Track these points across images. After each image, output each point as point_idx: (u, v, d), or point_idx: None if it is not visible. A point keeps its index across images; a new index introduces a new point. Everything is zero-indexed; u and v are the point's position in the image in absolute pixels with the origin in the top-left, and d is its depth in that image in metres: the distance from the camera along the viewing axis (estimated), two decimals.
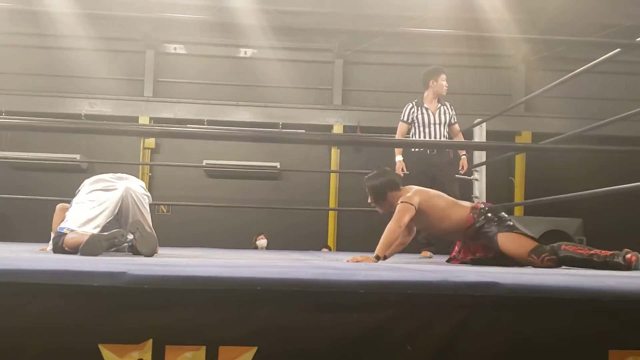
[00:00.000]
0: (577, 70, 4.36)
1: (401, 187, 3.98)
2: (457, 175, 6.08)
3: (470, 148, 6.70)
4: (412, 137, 5.73)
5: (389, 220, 3.79)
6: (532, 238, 3.63)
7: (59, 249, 3.66)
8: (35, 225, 9.36)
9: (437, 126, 5.66)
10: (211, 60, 11.23)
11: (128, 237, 3.76)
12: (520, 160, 10.82)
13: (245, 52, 11.33)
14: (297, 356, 1.59)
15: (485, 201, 6.37)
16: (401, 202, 3.76)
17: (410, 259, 4.50)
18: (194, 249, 5.92)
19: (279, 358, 1.58)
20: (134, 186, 3.96)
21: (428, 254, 5.42)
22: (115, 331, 1.55)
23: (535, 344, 1.65)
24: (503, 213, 3.81)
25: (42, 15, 10.12)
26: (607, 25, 10.14)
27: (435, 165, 5.56)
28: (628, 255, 3.21)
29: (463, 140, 5.90)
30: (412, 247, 5.48)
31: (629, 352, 1.67)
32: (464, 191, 6.51)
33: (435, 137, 5.64)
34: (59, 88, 10.67)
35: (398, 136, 5.78)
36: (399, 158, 5.75)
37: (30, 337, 1.54)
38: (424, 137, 5.64)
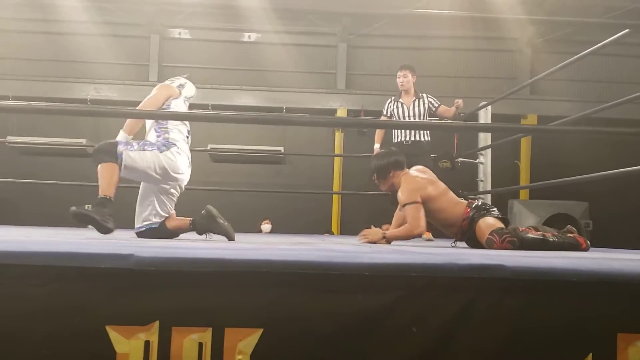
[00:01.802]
0: (583, 53, 4.33)
1: (404, 169, 4.08)
2: (462, 159, 6.27)
3: (475, 130, 6.71)
4: (393, 130, 6.24)
5: (390, 196, 4.12)
6: (504, 221, 3.78)
7: (154, 233, 3.86)
8: (42, 208, 9.42)
9: (411, 118, 6.13)
10: (215, 45, 11.19)
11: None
12: (525, 144, 10.77)
13: (249, 37, 11.28)
14: (303, 338, 1.60)
15: (491, 184, 6.41)
16: (407, 204, 3.84)
17: (414, 242, 4.50)
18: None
19: (285, 340, 1.59)
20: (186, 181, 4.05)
21: (429, 235, 5.51)
22: (122, 313, 1.56)
23: (541, 326, 1.65)
24: (491, 205, 3.98)
25: (47, 1, 10.09)
26: (611, 7, 10.06)
27: (412, 156, 5.68)
28: (571, 235, 3.62)
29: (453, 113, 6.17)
30: None
31: (637, 335, 1.67)
32: (471, 174, 6.53)
33: (409, 129, 6.05)
34: (64, 73, 10.66)
35: (378, 130, 6.38)
36: (376, 146, 6.28)
37: (38, 319, 1.55)
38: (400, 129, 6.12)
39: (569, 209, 9.27)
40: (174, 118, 3.92)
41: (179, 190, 4.03)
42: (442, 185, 4.05)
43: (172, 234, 3.96)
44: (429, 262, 1.72)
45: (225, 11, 10.52)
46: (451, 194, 4.03)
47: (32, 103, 8.52)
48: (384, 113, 6.26)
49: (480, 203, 3.95)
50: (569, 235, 3.66)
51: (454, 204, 3.94)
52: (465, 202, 3.98)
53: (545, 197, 9.50)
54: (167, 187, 3.93)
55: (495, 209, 3.91)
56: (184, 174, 3.94)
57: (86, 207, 3.49)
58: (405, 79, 6.13)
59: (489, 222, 3.71)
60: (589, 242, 3.68)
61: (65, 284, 1.57)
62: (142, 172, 3.73)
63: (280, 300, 1.60)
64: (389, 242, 3.88)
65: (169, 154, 3.78)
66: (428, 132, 6.12)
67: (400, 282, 1.65)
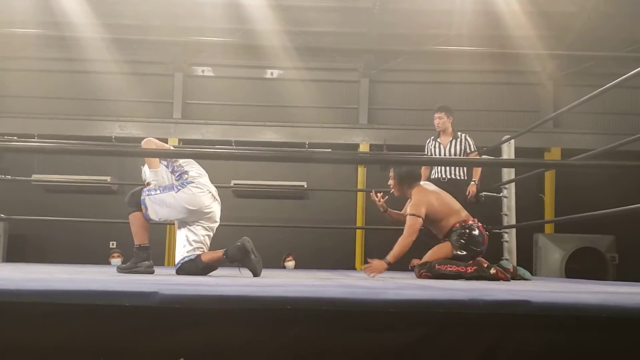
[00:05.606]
0: (606, 86, 4.31)
1: (419, 182, 4.67)
2: (486, 193, 6.25)
3: (498, 165, 6.68)
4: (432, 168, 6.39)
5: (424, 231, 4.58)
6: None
7: (191, 268, 3.99)
8: (68, 246, 9.50)
9: None
10: (238, 82, 11.31)
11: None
12: (550, 177, 10.68)
13: (272, 73, 11.40)
14: None
15: (515, 218, 6.34)
16: (410, 214, 4.39)
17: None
18: (223, 269, 5.93)
19: None
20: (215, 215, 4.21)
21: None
22: (146, 351, 1.56)
23: None
24: (475, 233, 4.40)
25: (72, 40, 10.30)
26: (635, 40, 10.04)
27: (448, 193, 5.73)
28: (493, 271, 4.05)
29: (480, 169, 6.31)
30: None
31: None
32: (496, 208, 6.47)
33: (444, 168, 6.24)
34: (89, 111, 10.82)
35: (423, 168, 6.35)
36: None
37: (63, 357, 1.55)
38: (436, 167, 6.29)
39: (595, 242, 9.13)
40: (197, 157, 4.11)
41: (211, 224, 4.17)
42: (445, 197, 4.61)
43: (207, 267, 4.06)
44: (455, 298, 1.70)
45: (247, 49, 10.71)
46: (452, 203, 4.58)
47: (58, 142, 8.66)
48: (425, 152, 6.47)
49: (469, 224, 4.41)
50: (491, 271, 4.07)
51: (447, 215, 4.48)
52: (463, 217, 4.47)
53: (571, 230, 9.38)
54: (195, 220, 4.09)
55: (468, 238, 4.34)
56: (209, 208, 4.10)
57: (126, 265, 4.00)
58: (440, 120, 6.30)
59: (429, 254, 4.29)
60: (509, 276, 4.13)
61: (89, 322, 1.57)
62: (165, 212, 4.01)
63: (305, 338, 1.59)
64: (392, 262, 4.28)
65: (186, 191, 4.01)
66: (465, 170, 6.20)
67: (427, 319, 1.63)
